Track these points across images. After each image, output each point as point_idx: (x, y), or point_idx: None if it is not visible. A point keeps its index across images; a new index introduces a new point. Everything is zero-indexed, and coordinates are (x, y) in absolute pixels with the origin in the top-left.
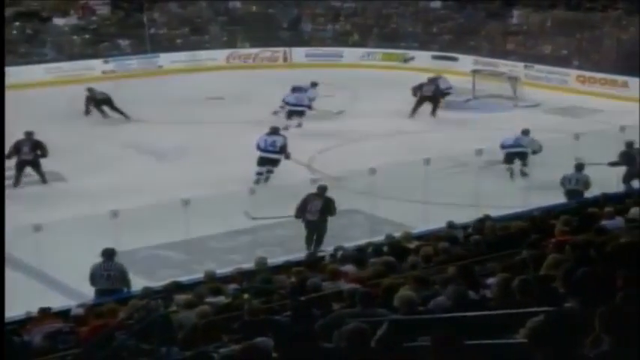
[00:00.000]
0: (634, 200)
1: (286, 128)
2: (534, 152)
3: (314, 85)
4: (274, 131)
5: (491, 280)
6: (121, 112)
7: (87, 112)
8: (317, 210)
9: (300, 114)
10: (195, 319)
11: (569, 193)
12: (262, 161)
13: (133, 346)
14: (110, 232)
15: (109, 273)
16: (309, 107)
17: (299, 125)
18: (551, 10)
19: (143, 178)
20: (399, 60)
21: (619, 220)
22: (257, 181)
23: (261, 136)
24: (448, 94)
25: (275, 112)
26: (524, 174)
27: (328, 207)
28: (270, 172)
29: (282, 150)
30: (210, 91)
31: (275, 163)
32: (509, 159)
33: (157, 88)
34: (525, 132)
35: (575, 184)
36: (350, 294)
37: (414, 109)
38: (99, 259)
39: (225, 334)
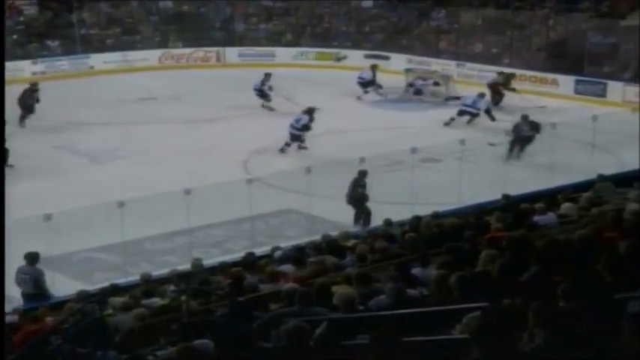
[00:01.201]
0: (564, 196)
1: None
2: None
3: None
4: (306, 111)
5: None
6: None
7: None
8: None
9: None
10: (131, 322)
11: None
12: (289, 136)
13: (69, 350)
14: (44, 236)
15: (24, 277)
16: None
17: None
18: (481, 9)
19: (77, 180)
20: (331, 59)
21: (551, 216)
22: (281, 150)
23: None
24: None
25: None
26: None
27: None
28: (288, 145)
29: (304, 128)
30: (143, 92)
31: (295, 138)
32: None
33: (90, 89)
34: (481, 95)
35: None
36: (288, 293)
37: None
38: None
39: (162, 337)
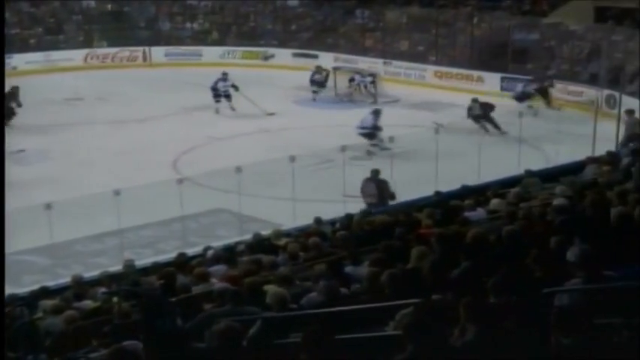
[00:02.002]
0: (493, 192)
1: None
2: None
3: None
4: (372, 111)
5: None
6: None
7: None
8: (373, 193)
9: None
10: (63, 325)
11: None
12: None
13: None
14: None
15: None
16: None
17: None
18: (405, 7)
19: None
20: (259, 58)
21: (480, 212)
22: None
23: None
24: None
25: None
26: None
27: (382, 189)
28: (373, 145)
29: (373, 127)
30: (68, 92)
31: (368, 136)
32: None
33: None
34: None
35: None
36: (220, 293)
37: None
38: None
39: (95, 339)
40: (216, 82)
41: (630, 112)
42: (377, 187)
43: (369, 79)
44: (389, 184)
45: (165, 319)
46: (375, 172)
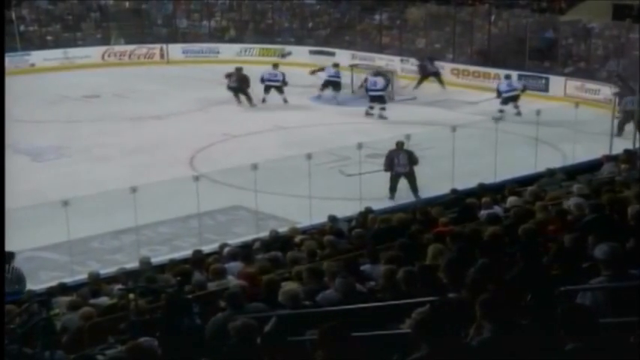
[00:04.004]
0: (510, 190)
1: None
2: None
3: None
4: (377, 73)
5: None
6: None
7: None
8: (405, 162)
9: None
10: (79, 322)
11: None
12: (371, 98)
13: (16, 351)
14: None
15: (6, 276)
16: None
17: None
18: (422, 6)
19: (19, 179)
20: (276, 55)
21: (497, 210)
22: (368, 114)
23: (368, 77)
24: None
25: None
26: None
27: (412, 158)
28: (381, 109)
29: (384, 88)
30: (86, 89)
31: (379, 99)
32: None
33: (31, 87)
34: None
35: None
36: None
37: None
38: None
39: (111, 335)
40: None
41: None
42: (407, 157)
43: (381, 81)
44: (415, 153)
45: (187, 317)
46: (402, 143)
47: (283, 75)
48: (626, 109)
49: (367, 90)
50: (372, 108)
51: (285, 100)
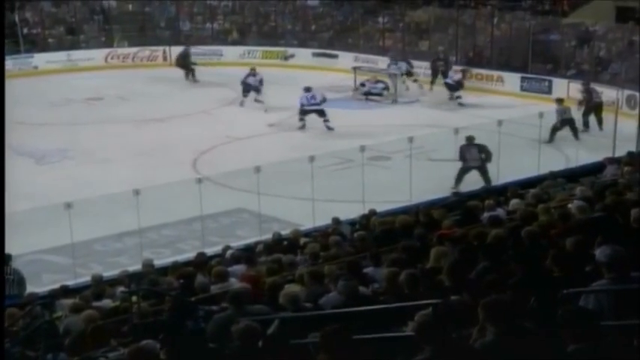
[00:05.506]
0: (513, 192)
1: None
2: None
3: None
4: (309, 89)
5: None
6: None
7: None
8: (477, 157)
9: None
10: (82, 324)
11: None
12: (308, 112)
13: (18, 353)
14: None
15: (7, 277)
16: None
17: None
18: (425, 8)
19: (22, 181)
20: (279, 57)
21: (500, 212)
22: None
23: (301, 95)
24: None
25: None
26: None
27: (485, 151)
28: (325, 121)
29: (323, 101)
30: (89, 92)
31: (321, 113)
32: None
33: (34, 89)
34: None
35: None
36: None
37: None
38: None
39: (114, 338)
40: (246, 77)
41: None
42: (479, 151)
43: (380, 85)
44: (487, 147)
45: (193, 320)
46: (472, 138)
47: (261, 79)
48: (563, 117)
49: (302, 105)
50: (301, 120)
51: (259, 101)
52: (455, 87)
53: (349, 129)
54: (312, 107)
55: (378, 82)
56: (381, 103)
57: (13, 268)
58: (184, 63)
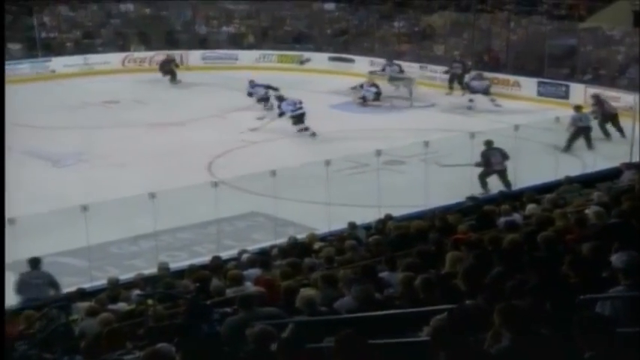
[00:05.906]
0: (529, 197)
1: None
2: None
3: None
4: (278, 96)
5: None
6: None
7: None
8: (500, 160)
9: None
10: (98, 327)
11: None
12: (298, 118)
13: (35, 356)
14: (7, 241)
15: (37, 281)
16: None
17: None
18: (441, 12)
19: (39, 184)
20: (295, 62)
21: (516, 217)
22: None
23: (284, 104)
24: None
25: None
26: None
27: (505, 154)
28: (304, 129)
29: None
30: (106, 95)
31: (299, 118)
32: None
33: (51, 93)
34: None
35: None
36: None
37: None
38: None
39: (129, 341)
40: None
41: None
42: (500, 154)
43: (373, 89)
44: (504, 149)
45: (208, 324)
46: (491, 142)
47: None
48: (578, 125)
49: (280, 111)
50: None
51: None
52: (479, 90)
53: (365, 133)
54: (298, 112)
55: (372, 85)
56: (398, 107)
57: (42, 271)
58: (169, 69)
